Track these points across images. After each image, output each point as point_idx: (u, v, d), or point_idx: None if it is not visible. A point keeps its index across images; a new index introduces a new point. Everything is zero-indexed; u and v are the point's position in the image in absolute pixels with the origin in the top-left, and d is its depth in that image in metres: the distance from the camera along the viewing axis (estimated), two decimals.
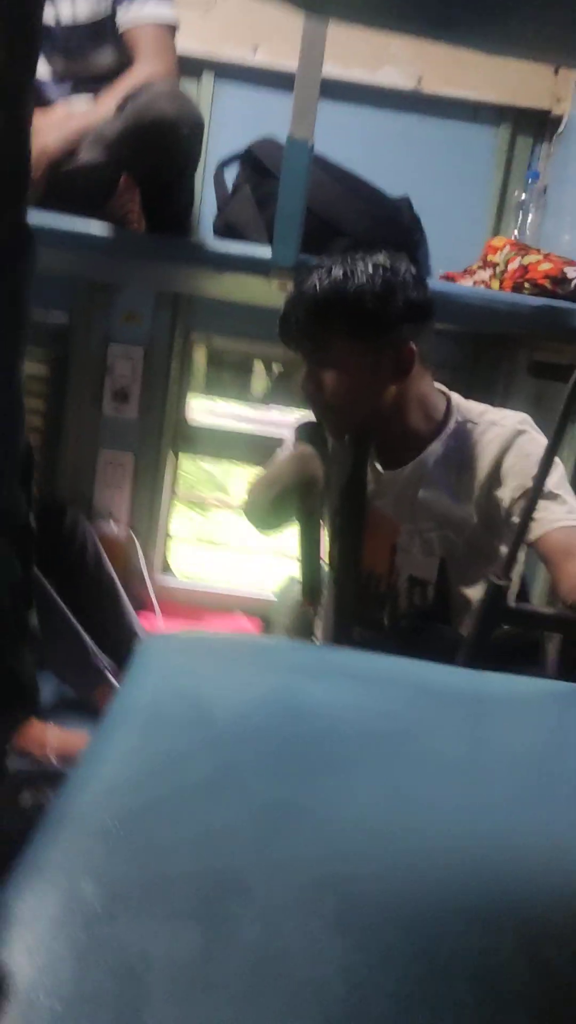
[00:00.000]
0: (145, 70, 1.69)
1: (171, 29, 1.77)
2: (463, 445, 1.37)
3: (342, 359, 1.31)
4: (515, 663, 0.97)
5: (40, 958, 0.44)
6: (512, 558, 1.08)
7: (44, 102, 1.73)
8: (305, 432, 1.47)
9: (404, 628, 1.46)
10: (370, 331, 1.29)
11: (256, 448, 2.27)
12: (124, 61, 1.76)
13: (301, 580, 1.74)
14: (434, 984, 0.47)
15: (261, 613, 2.34)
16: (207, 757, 0.63)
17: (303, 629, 1.80)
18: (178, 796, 0.58)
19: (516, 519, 1.29)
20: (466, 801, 0.64)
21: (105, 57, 1.78)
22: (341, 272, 1.27)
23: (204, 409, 2.44)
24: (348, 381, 1.32)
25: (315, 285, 1.28)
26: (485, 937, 0.50)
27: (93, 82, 1.76)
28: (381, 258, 1.28)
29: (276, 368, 2.59)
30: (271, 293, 1.65)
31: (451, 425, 1.38)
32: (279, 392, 2.54)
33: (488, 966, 0.48)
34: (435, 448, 1.38)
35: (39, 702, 0.55)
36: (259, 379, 2.66)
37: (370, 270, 1.26)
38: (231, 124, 2.05)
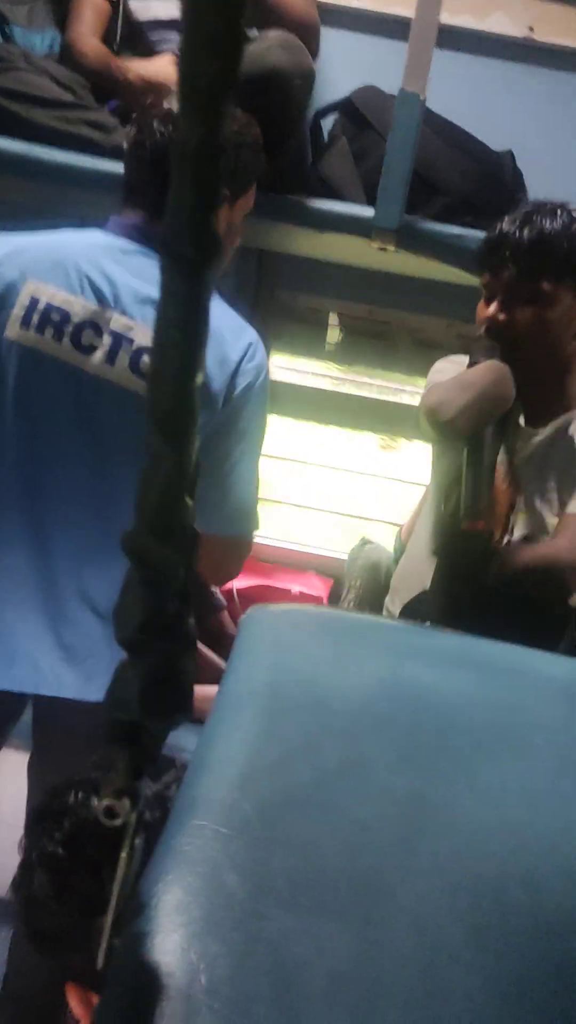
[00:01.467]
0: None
1: None
2: None
3: (544, 295, 1.34)
4: None
5: (195, 955, 0.44)
6: None
7: (150, 45, 1.67)
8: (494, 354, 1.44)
9: (506, 590, 1.43)
10: None
11: (339, 407, 2.24)
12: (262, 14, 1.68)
13: (466, 497, 1.54)
14: None
15: (334, 573, 2.33)
16: (335, 745, 0.62)
17: (375, 591, 1.78)
18: (312, 786, 0.57)
19: None
20: None
21: None
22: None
23: (274, 365, 2.40)
24: (541, 318, 1.35)
25: (544, 219, 1.33)
26: None
27: None
28: None
29: (344, 323, 2.53)
30: (369, 254, 1.60)
31: None
32: (348, 351, 2.48)
33: None
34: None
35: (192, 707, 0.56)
36: (331, 336, 2.60)
37: None
38: (330, 71, 1.96)
